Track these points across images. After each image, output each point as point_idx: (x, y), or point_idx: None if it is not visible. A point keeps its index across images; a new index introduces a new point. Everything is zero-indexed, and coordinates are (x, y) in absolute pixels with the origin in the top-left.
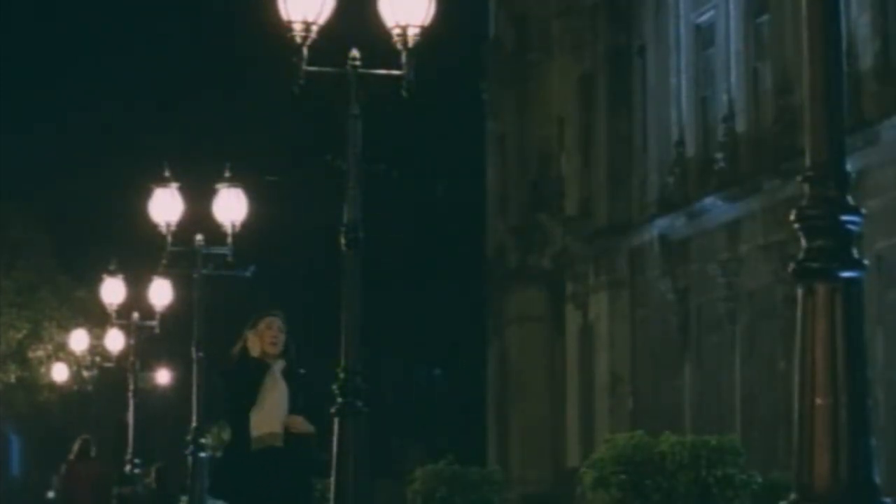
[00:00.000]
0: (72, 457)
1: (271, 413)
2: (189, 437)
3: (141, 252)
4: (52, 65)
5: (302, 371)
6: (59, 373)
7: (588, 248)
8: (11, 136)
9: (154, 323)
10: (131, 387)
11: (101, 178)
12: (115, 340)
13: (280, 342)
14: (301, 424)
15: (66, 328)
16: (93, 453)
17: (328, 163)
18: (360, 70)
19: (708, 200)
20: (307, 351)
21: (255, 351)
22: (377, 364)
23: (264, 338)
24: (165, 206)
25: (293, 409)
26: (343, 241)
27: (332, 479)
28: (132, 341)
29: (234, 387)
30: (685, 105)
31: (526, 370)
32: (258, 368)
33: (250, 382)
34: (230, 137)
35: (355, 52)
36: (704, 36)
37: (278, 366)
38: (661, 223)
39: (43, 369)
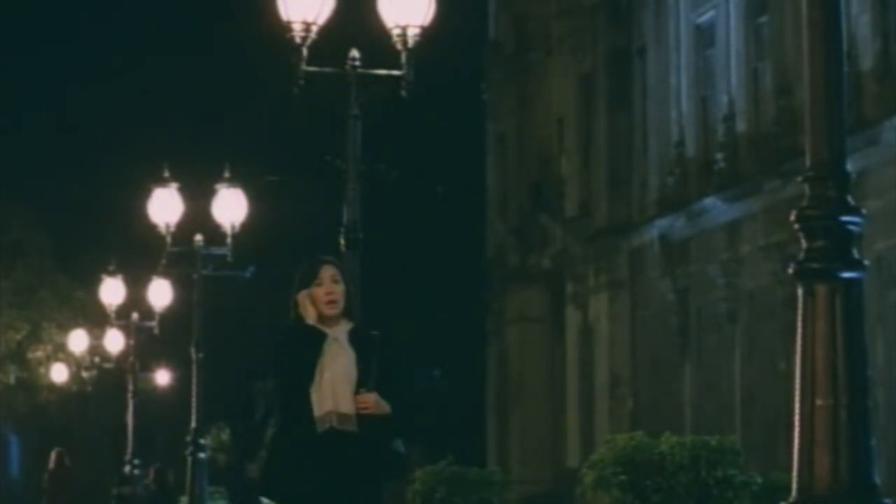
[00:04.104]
0: (51, 467)
1: (335, 389)
2: (188, 438)
3: (140, 252)
4: (52, 65)
5: (375, 333)
6: (59, 373)
7: (588, 248)
8: (11, 136)
9: (153, 323)
10: (131, 387)
11: (100, 178)
12: (114, 341)
13: (340, 298)
14: (374, 403)
15: (65, 329)
16: (67, 463)
17: (328, 163)
18: (360, 70)
19: (708, 200)
20: None
21: (310, 317)
22: None
23: (318, 298)
24: (165, 207)
25: (365, 382)
26: (343, 241)
27: None
28: (131, 342)
29: (287, 362)
30: (685, 105)
31: (526, 370)
32: (314, 338)
33: (306, 355)
34: (230, 137)
35: (355, 52)
36: (704, 36)
37: (342, 329)
38: (661, 223)
39: (42, 370)
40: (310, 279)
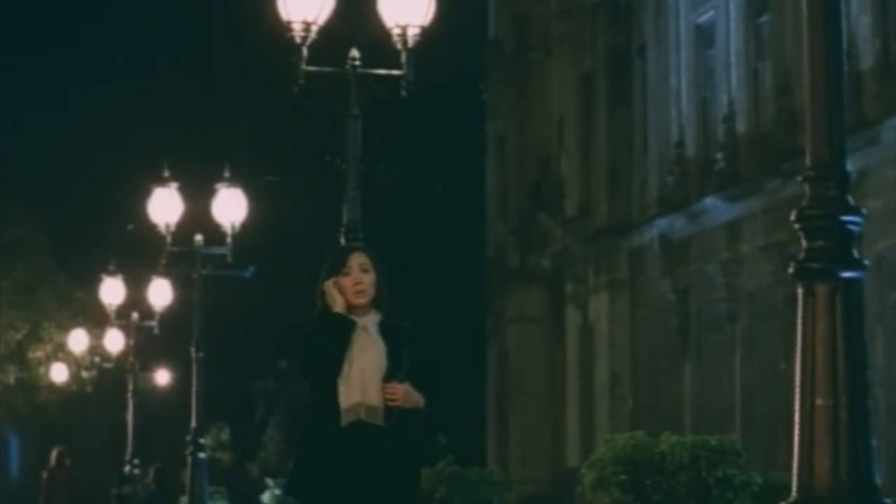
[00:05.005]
0: (51, 466)
1: (364, 380)
2: (188, 438)
3: (140, 252)
4: (52, 65)
5: (406, 324)
6: (59, 373)
7: (588, 248)
8: (11, 136)
9: (153, 323)
10: (131, 387)
11: (100, 178)
12: (114, 341)
13: (368, 288)
14: (405, 394)
15: (65, 328)
16: (67, 463)
17: (328, 163)
18: (360, 70)
19: (708, 200)
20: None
21: (338, 305)
22: None
23: (345, 287)
24: (165, 207)
25: (395, 374)
26: (343, 241)
27: None
28: (131, 342)
29: (314, 351)
30: (685, 105)
31: (526, 370)
32: (342, 326)
33: (334, 344)
34: (230, 137)
35: (355, 52)
36: (704, 36)
37: (371, 319)
38: (661, 223)
39: (42, 370)
40: (338, 268)
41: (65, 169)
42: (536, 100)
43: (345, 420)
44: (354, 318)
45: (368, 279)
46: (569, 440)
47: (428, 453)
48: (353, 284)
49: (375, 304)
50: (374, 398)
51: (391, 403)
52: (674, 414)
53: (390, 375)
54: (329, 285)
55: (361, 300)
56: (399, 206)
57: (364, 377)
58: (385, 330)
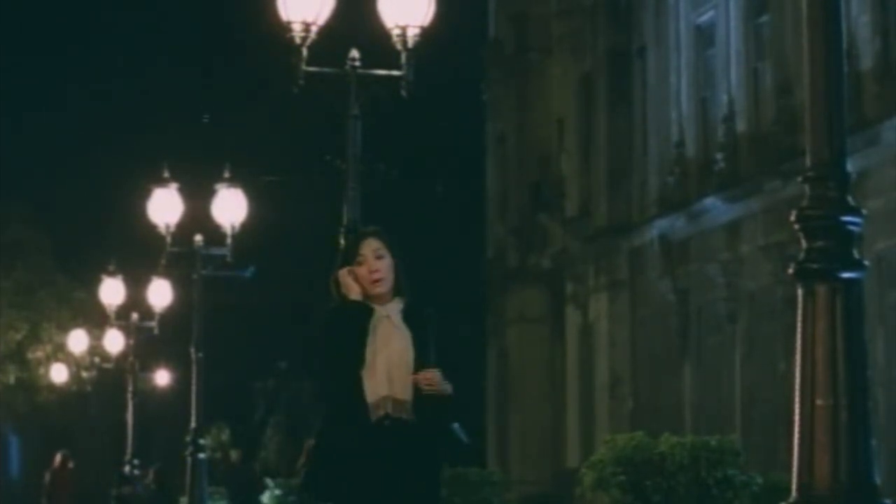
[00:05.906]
0: (55, 467)
1: (390, 373)
2: (188, 438)
3: (140, 253)
4: (51, 64)
5: (430, 310)
6: (59, 373)
7: (588, 248)
8: (11, 136)
9: (153, 324)
10: (130, 387)
11: (100, 178)
12: (114, 341)
13: (386, 275)
14: (438, 381)
15: (65, 329)
16: (70, 466)
17: (328, 163)
18: (360, 70)
19: (708, 200)
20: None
21: (354, 294)
22: None
23: (362, 277)
24: (165, 207)
25: (424, 363)
26: (343, 241)
27: None
28: (131, 342)
29: (335, 343)
30: (685, 105)
31: (526, 370)
32: (361, 315)
33: (354, 335)
34: (230, 137)
35: (355, 53)
36: (704, 36)
37: (393, 307)
38: (661, 223)
39: (42, 370)
40: (351, 257)
41: (65, 169)
42: (536, 100)
43: (372, 416)
44: (374, 305)
45: (384, 265)
46: (569, 440)
47: (453, 450)
48: (368, 273)
49: (396, 290)
50: (402, 391)
51: (428, 390)
52: (674, 414)
53: (420, 365)
54: (343, 274)
55: (379, 289)
56: (399, 206)
57: (390, 369)
58: (410, 317)
